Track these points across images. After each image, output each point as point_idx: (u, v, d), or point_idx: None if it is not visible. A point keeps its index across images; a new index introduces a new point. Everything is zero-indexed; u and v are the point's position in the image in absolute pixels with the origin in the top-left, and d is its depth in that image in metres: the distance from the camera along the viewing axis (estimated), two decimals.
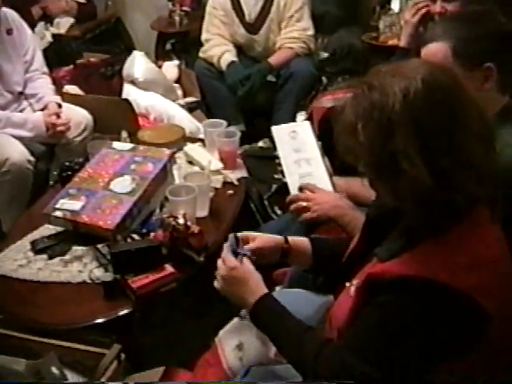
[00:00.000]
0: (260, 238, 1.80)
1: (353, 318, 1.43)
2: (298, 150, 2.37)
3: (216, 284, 1.73)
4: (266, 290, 1.63)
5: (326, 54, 4.37)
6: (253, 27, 4.19)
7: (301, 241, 1.84)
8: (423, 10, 2.88)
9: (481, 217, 1.35)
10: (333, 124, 1.42)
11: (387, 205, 1.45)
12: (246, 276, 1.65)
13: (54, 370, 1.83)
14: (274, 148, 2.54)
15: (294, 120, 4.00)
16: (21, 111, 3.41)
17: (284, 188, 3.04)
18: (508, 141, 1.61)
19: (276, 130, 2.40)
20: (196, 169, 2.78)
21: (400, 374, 1.35)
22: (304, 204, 2.19)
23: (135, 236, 2.26)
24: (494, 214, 1.36)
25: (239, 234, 1.77)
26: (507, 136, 1.64)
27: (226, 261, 1.69)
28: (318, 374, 1.42)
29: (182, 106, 3.98)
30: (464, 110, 1.30)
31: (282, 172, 2.42)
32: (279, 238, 1.82)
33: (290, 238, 1.83)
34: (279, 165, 2.42)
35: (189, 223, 2.14)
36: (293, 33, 4.11)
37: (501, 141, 1.45)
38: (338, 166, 2.62)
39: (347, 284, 1.53)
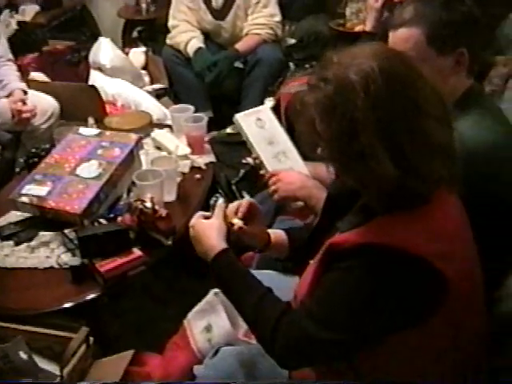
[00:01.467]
0: (260, 222, 1.79)
1: (313, 287, 1.44)
2: (271, 142, 2.36)
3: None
4: (222, 247, 1.59)
5: (293, 41, 4.37)
6: (219, 13, 4.17)
7: (279, 235, 1.84)
8: None
9: (441, 191, 1.36)
10: (293, 121, 1.43)
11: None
12: (204, 232, 1.63)
13: (22, 354, 1.83)
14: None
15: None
16: None
17: (252, 173, 3.07)
18: (464, 131, 1.62)
19: (240, 117, 2.39)
20: (163, 154, 2.77)
21: (359, 339, 1.37)
22: (273, 187, 2.19)
23: (102, 221, 2.26)
24: (451, 186, 1.38)
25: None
26: (464, 126, 1.65)
27: (191, 220, 1.70)
28: (275, 339, 1.42)
29: (150, 93, 3.96)
30: (423, 96, 1.30)
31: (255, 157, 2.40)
32: (265, 230, 1.81)
33: (270, 231, 1.83)
34: (249, 150, 2.42)
35: (156, 207, 2.14)
36: (259, 19, 4.11)
37: (459, 130, 1.45)
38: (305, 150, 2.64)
39: (311, 262, 1.54)
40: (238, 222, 1.68)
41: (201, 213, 1.73)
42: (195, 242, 1.66)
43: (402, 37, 1.77)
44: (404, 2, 2.25)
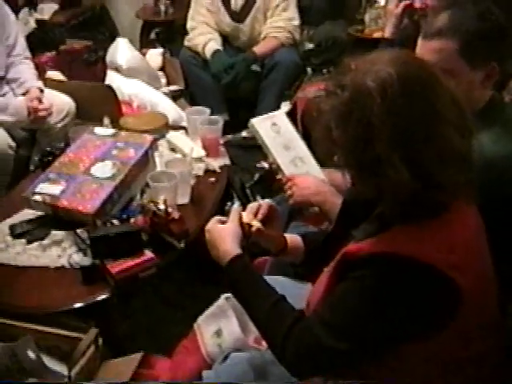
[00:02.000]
0: (278, 225, 1.77)
1: (326, 295, 1.43)
2: (288, 147, 2.35)
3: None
4: (236, 252, 1.57)
5: (311, 45, 4.36)
6: (238, 16, 4.17)
7: (294, 238, 1.81)
8: (406, 1, 2.88)
9: (459, 201, 1.35)
10: (309, 128, 1.42)
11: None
12: (220, 237, 1.61)
13: (31, 353, 1.82)
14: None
15: (277, 110, 3.99)
16: (2, 96, 3.36)
17: (267, 177, 3.05)
18: (486, 143, 1.60)
19: (256, 122, 2.38)
20: (178, 156, 2.76)
21: (370, 349, 1.35)
22: (288, 192, 2.18)
23: (115, 221, 2.25)
24: (469, 195, 1.36)
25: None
26: (486, 138, 1.62)
27: (208, 224, 1.68)
28: (286, 347, 1.41)
29: (166, 94, 3.95)
30: (442, 103, 1.28)
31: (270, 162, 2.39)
32: (282, 234, 1.79)
33: (287, 235, 1.81)
34: (265, 154, 2.40)
35: (169, 209, 2.13)
36: (278, 22, 4.10)
37: (480, 141, 1.43)
38: (322, 155, 2.62)
39: (325, 269, 1.53)
40: (256, 224, 1.66)
41: (218, 217, 1.70)
42: (210, 247, 1.64)
43: (434, 48, 1.71)
44: (431, 9, 2.22)
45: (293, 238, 1.82)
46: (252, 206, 1.71)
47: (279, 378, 1.63)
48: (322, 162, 2.33)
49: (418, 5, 2.49)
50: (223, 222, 1.67)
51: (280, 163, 2.29)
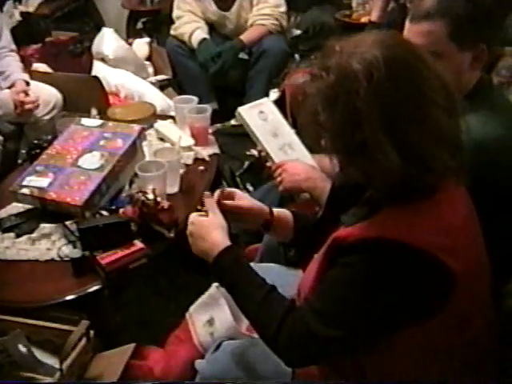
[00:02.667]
0: (247, 199, 1.76)
1: (317, 282, 1.41)
2: (276, 134, 2.34)
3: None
4: (227, 243, 1.55)
5: (298, 32, 4.35)
6: (224, 4, 4.14)
7: (283, 213, 1.79)
8: None
9: (448, 183, 1.33)
10: (295, 113, 1.40)
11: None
12: (207, 229, 1.58)
13: (21, 347, 1.81)
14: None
15: (266, 97, 3.99)
16: None
17: (256, 164, 3.04)
18: (474, 124, 1.58)
19: (243, 111, 2.36)
20: (167, 145, 2.74)
21: (363, 336, 1.34)
22: (278, 178, 2.17)
23: (104, 212, 2.24)
24: (459, 178, 1.35)
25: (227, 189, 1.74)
26: (474, 120, 1.61)
27: (190, 217, 1.64)
28: (280, 337, 1.40)
29: (153, 84, 3.94)
30: (428, 83, 1.26)
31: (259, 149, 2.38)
32: (264, 206, 1.77)
33: (275, 210, 1.79)
34: (254, 142, 2.39)
35: (158, 199, 2.11)
36: (265, 9, 4.07)
37: (468, 123, 1.41)
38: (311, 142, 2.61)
39: (315, 256, 1.52)
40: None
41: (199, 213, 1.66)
42: (195, 239, 1.61)
43: (423, 30, 1.69)
44: None
45: (281, 211, 1.80)
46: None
47: (272, 365, 1.61)
48: (311, 148, 2.32)
49: None
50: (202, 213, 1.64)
51: (269, 151, 2.28)
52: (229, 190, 1.76)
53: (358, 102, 1.21)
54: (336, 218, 1.52)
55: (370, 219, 1.34)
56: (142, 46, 4.33)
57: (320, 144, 1.36)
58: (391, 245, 1.26)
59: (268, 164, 2.30)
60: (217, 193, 1.69)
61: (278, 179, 2.17)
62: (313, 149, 2.32)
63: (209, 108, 2.86)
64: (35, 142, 2.69)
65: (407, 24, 1.75)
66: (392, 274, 1.27)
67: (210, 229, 1.58)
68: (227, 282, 1.56)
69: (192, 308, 1.98)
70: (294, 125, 2.47)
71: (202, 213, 1.65)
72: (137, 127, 2.51)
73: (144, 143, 2.59)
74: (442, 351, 1.37)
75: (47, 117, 3.37)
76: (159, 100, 3.62)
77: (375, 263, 1.28)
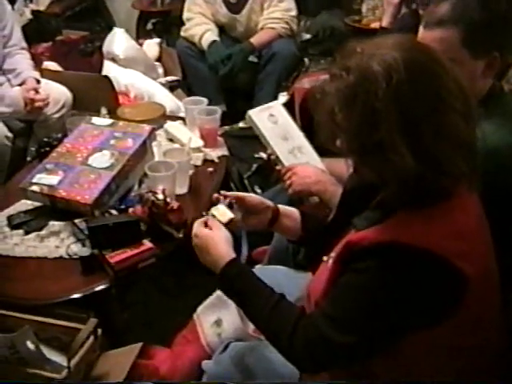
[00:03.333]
0: (252, 196, 1.78)
1: (330, 287, 1.41)
2: (286, 137, 2.35)
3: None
4: (231, 256, 1.56)
5: (308, 36, 4.36)
6: (235, 7, 4.15)
7: (290, 210, 1.81)
8: None
9: (461, 189, 1.34)
10: (311, 110, 1.40)
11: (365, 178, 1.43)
12: (212, 242, 1.59)
13: (29, 344, 1.81)
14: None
15: (275, 100, 3.99)
16: None
17: (265, 167, 3.05)
18: (487, 131, 1.58)
19: (254, 114, 2.37)
20: (176, 146, 2.75)
21: (376, 341, 1.34)
22: (288, 182, 2.17)
23: (113, 212, 2.24)
24: (471, 184, 1.35)
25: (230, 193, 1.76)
26: (487, 127, 1.60)
27: (194, 228, 1.66)
28: (293, 345, 1.40)
29: (163, 85, 3.94)
30: (446, 88, 1.27)
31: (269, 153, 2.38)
32: (270, 202, 1.78)
33: (281, 206, 1.80)
34: (263, 145, 2.40)
35: (168, 199, 2.12)
36: (275, 13, 4.07)
37: (481, 130, 1.42)
38: (319, 146, 2.61)
39: (325, 258, 1.52)
40: (228, 216, 1.66)
41: (202, 220, 1.67)
42: (199, 252, 1.62)
43: (436, 37, 1.68)
44: None
45: (287, 209, 1.81)
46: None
47: (280, 366, 1.62)
48: (321, 152, 2.33)
49: None
50: (206, 223, 1.65)
51: (279, 154, 2.29)
52: (234, 194, 1.77)
53: (376, 103, 1.22)
54: (347, 221, 1.51)
55: (384, 223, 1.33)
56: (152, 46, 4.34)
57: (334, 143, 1.37)
58: (406, 249, 1.26)
59: (278, 167, 2.30)
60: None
61: (288, 182, 2.17)
62: (322, 152, 2.32)
63: (219, 110, 2.87)
64: (45, 139, 2.69)
65: (421, 30, 1.75)
66: (406, 279, 1.27)
67: (214, 242, 1.59)
68: (235, 294, 1.56)
69: (200, 309, 1.98)
70: (303, 128, 2.47)
71: (204, 218, 1.66)
72: (147, 127, 2.52)
73: (153, 143, 2.60)
74: (452, 355, 1.37)
75: (57, 115, 3.37)
76: (169, 101, 3.63)
77: (389, 268, 1.28)
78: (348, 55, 1.31)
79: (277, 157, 2.28)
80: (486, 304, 1.36)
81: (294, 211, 1.82)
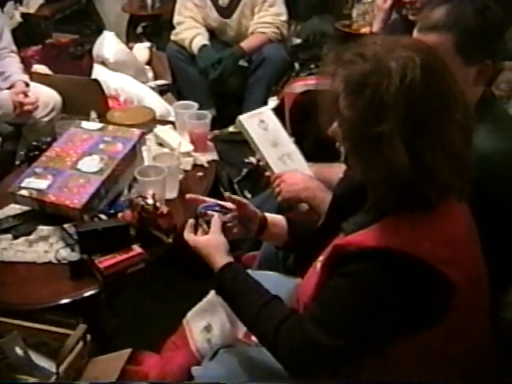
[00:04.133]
0: (251, 205, 1.80)
1: (318, 291, 1.42)
2: (275, 144, 2.34)
3: None
4: (227, 260, 1.60)
5: (298, 40, 4.37)
6: (226, 11, 4.14)
7: (277, 218, 1.83)
8: None
9: (451, 198, 1.34)
10: (317, 95, 1.40)
11: (354, 182, 1.44)
12: (208, 248, 1.63)
13: (18, 350, 1.80)
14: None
15: (265, 105, 3.98)
16: None
17: (254, 172, 3.05)
18: (477, 138, 1.58)
19: (244, 119, 2.36)
20: (166, 150, 2.75)
21: (362, 345, 1.35)
22: (277, 189, 2.17)
23: (103, 216, 2.24)
24: (461, 193, 1.35)
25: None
26: (477, 134, 1.61)
27: (188, 241, 1.69)
28: (277, 345, 1.41)
29: (153, 89, 3.93)
30: (454, 101, 1.28)
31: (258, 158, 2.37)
32: (258, 211, 1.81)
33: (268, 215, 1.82)
34: (252, 150, 2.39)
35: (158, 204, 2.11)
36: (266, 18, 4.07)
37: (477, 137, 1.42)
38: (309, 151, 2.61)
39: (313, 263, 1.52)
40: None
41: (189, 224, 1.72)
42: (206, 260, 1.65)
43: (430, 42, 1.62)
44: (425, 2, 2.18)
45: (274, 217, 1.83)
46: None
47: (269, 373, 1.61)
48: (311, 157, 2.33)
49: None
50: (195, 227, 1.70)
51: (268, 160, 2.28)
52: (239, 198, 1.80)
53: (385, 96, 1.22)
54: (336, 226, 1.52)
55: (372, 227, 1.34)
56: (142, 50, 4.33)
57: (328, 127, 1.37)
58: (391, 254, 1.26)
59: (267, 173, 2.30)
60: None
61: (277, 190, 2.17)
62: (312, 157, 2.33)
63: (209, 114, 2.87)
64: (34, 143, 2.68)
65: (414, 34, 1.74)
66: (391, 284, 1.28)
67: (208, 249, 1.63)
68: (228, 297, 1.60)
69: (189, 314, 1.97)
70: (293, 133, 2.47)
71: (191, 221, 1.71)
72: (137, 131, 2.51)
73: (143, 148, 2.59)
74: (440, 360, 1.37)
75: (46, 118, 3.37)
76: (158, 105, 3.62)
77: (375, 272, 1.28)
78: (365, 44, 1.31)
79: (266, 163, 2.28)
80: (474, 310, 1.37)
81: (280, 219, 1.84)
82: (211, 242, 1.64)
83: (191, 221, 1.72)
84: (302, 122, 3.00)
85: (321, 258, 1.49)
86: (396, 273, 1.27)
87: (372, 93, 1.24)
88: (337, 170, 1.95)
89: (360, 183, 1.44)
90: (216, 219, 1.69)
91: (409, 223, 1.31)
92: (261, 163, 2.34)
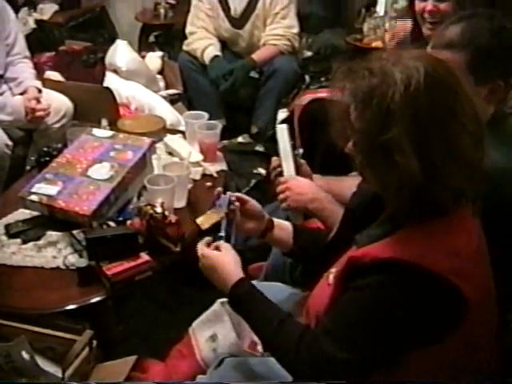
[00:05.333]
0: (253, 202, 1.85)
1: (332, 304, 1.42)
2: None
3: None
4: (240, 275, 1.60)
5: (309, 53, 4.39)
6: (238, 22, 4.17)
7: (284, 224, 1.87)
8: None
9: (464, 210, 1.35)
10: (328, 106, 1.42)
11: (368, 196, 1.44)
12: (219, 263, 1.63)
13: (25, 354, 1.81)
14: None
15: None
16: (0, 95, 3.36)
17: (263, 182, 3.05)
18: (494, 158, 1.59)
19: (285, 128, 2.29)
20: (175, 160, 2.76)
21: (377, 359, 1.35)
22: (281, 196, 2.12)
23: (111, 223, 2.25)
24: (475, 209, 1.37)
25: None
26: (493, 151, 1.61)
27: (198, 250, 1.70)
28: (299, 362, 1.41)
29: (164, 98, 3.96)
30: (461, 108, 1.29)
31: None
32: (267, 214, 1.86)
33: (275, 219, 1.86)
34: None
35: (166, 213, 2.12)
36: (277, 30, 4.10)
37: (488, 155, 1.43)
38: (319, 163, 2.62)
39: (324, 275, 1.53)
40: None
41: (205, 241, 1.73)
42: (207, 272, 1.66)
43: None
44: (444, 14, 2.18)
45: (282, 222, 1.88)
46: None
47: (274, 381, 1.62)
48: (322, 170, 2.31)
49: (429, 7, 2.45)
50: (209, 244, 1.70)
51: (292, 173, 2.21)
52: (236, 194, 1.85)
53: (391, 104, 1.25)
54: (349, 239, 1.53)
55: (385, 240, 1.35)
56: (154, 59, 4.36)
57: (341, 140, 1.39)
58: (404, 266, 1.27)
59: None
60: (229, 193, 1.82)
61: (281, 196, 2.12)
62: (323, 170, 2.31)
63: (219, 125, 2.88)
64: (45, 149, 2.69)
65: (428, 50, 1.76)
66: (404, 296, 1.29)
67: (221, 264, 1.63)
68: (244, 313, 1.60)
69: (195, 323, 1.98)
70: (302, 145, 2.46)
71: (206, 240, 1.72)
72: (147, 140, 2.53)
73: (153, 157, 2.61)
74: (448, 374, 1.37)
75: (57, 125, 3.39)
76: (169, 114, 3.64)
77: (389, 285, 1.29)
78: (373, 59, 1.34)
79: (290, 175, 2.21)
80: (484, 325, 1.37)
81: (287, 225, 1.87)
82: (226, 258, 1.64)
83: (208, 238, 1.73)
84: (311, 132, 3.01)
85: (333, 269, 1.49)
86: (409, 285, 1.28)
87: (378, 103, 1.26)
88: (347, 184, 1.95)
89: (374, 196, 1.45)
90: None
91: (423, 235, 1.32)
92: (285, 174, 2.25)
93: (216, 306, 1.94)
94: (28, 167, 3.26)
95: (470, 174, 1.30)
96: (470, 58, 1.67)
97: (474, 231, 1.39)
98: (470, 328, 1.32)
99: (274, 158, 2.22)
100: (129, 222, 2.21)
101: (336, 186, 2.17)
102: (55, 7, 4.99)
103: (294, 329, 1.46)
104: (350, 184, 1.81)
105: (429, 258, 1.28)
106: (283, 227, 1.86)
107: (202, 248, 1.69)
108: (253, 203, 1.84)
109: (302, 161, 2.20)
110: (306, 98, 3.57)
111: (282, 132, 2.21)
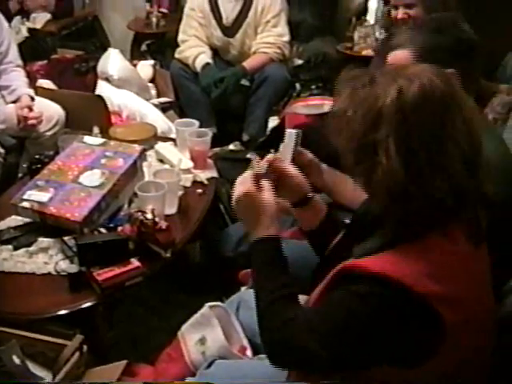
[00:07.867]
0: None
1: (320, 298, 1.44)
2: None
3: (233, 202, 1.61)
4: (273, 232, 1.53)
5: (300, 61, 4.41)
6: (229, 30, 4.20)
7: (322, 205, 1.77)
8: None
9: (456, 232, 1.35)
10: (325, 120, 1.45)
11: (372, 210, 1.46)
12: (260, 208, 1.53)
13: (15, 358, 1.82)
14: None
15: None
16: None
17: None
18: None
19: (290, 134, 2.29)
20: (166, 167, 2.79)
21: (347, 363, 1.36)
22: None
23: (102, 230, 2.26)
24: (473, 234, 1.37)
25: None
26: None
27: (243, 182, 1.59)
28: (276, 338, 1.42)
29: (156, 106, 3.97)
30: (453, 123, 1.30)
31: None
32: (307, 183, 1.75)
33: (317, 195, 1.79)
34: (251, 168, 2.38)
35: (157, 219, 2.15)
36: (268, 38, 4.13)
37: None
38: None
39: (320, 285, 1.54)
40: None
41: (252, 174, 1.60)
42: (240, 209, 1.58)
43: (395, 57, 1.87)
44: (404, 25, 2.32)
45: (320, 200, 1.78)
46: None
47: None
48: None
49: (400, 15, 2.58)
50: (257, 179, 1.59)
51: None
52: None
53: (383, 108, 1.29)
54: (349, 248, 1.54)
55: (379, 254, 1.36)
56: (146, 67, 4.37)
57: (338, 140, 1.40)
58: (388, 283, 1.28)
59: None
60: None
61: None
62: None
63: (209, 132, 2.90)
64: (37, 156, 2.71)
65: (387, 56, 1.92)
66: (382, 311, 1.29)
67: (261, 209, 1.54)
68: (255, 267, 1.55)
69: (184, 327, 1.99)
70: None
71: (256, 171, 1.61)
72: (138, 147, 2.55)
73: (144, 164, 2.63)
74: None
75: (49, 133, 3.41)
76: (160, 122, 3.66)
77: (369, 297, 1.30)
78: (378, 72, 1.39)
79: None
80: (469, 351, 1.36)
81: (323, 205, 1.77)
82: (268, 205, 1.54)
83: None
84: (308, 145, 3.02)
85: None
86: (390, 301, 1.29)
87: (371, 104, 1.31)
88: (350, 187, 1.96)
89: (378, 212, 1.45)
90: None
91: (415, 253, 1.32)
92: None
93: (205, 309, 1.96)
94: (20, 174, 3.28)
95: (456, 190, 1.30)
96: (414, 52, 1.84)
97: (466, 255, 1.37)
98: (448, 356, 1.31)
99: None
100: (119, 229, 2.24)
101: (341, 181, 2.14)
102: (48, 16, 5.00)
103: (290, 308, 1.44)
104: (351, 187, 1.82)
105: (413, 278, 1.27)
106: (319, 203, 1.75)
107: (250, 181, 1.58)
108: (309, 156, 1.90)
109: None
110: (296, 105, 3.59)
111: (291, 136, 2.23)
